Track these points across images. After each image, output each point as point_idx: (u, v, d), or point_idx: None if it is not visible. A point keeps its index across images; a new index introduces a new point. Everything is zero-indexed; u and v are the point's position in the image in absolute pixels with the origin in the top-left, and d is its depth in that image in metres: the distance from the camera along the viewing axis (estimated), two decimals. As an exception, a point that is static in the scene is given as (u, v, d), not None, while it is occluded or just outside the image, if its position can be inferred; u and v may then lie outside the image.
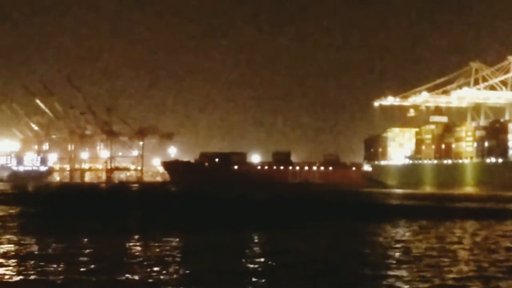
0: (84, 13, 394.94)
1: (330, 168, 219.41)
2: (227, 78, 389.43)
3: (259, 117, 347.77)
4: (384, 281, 23.10)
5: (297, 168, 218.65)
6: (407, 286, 22.40)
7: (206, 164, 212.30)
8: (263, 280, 23.39)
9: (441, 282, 23.18)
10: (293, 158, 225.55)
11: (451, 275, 24.48)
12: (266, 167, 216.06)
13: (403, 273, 24.87)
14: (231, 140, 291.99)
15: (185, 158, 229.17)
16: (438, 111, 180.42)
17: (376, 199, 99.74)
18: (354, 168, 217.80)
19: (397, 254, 30.70)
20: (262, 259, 28.83)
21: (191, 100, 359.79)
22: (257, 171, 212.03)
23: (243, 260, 28.19)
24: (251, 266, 26.68)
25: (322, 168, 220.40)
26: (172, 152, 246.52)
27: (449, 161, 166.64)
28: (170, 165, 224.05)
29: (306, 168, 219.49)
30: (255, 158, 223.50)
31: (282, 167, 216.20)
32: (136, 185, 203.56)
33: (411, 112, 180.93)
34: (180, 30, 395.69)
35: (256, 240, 37.44)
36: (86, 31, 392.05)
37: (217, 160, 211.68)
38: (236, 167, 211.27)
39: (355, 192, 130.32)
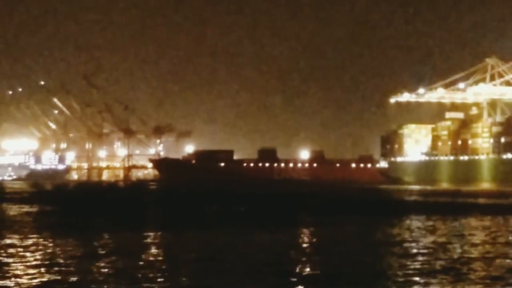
0: (101, 11, 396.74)
1: (315, 164, 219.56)
2: (248, 71, 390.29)
3: (274, 113, 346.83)
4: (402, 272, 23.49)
5: (282, 165, 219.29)
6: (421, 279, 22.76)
7: (194, 161, 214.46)
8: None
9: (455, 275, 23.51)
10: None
11: (467, 271, 24.77)
12: (252, 164, 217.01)
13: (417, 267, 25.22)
14: (255, 137, 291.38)
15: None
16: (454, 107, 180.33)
17: (390, 196, 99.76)
18: (338, 165, 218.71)
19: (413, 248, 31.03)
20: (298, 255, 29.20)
21: (208, 99, 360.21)
22: (243, 168, 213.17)
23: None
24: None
25: (306, 165, 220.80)
26: (190, 149, 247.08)
27: (466, 157, 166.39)
28: (159, 163, 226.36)
29: (291, 165, 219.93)
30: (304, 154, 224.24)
31: (267, 164, 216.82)
32: (153, 183, 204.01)
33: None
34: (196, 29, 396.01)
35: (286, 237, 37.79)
36: (103, 30, 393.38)
37: (203, 157, 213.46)
38: (222, 164, 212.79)
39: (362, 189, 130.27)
